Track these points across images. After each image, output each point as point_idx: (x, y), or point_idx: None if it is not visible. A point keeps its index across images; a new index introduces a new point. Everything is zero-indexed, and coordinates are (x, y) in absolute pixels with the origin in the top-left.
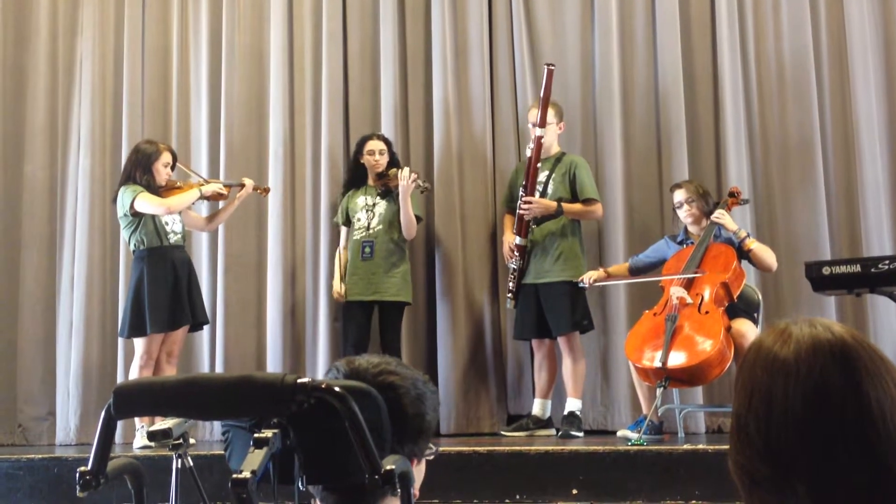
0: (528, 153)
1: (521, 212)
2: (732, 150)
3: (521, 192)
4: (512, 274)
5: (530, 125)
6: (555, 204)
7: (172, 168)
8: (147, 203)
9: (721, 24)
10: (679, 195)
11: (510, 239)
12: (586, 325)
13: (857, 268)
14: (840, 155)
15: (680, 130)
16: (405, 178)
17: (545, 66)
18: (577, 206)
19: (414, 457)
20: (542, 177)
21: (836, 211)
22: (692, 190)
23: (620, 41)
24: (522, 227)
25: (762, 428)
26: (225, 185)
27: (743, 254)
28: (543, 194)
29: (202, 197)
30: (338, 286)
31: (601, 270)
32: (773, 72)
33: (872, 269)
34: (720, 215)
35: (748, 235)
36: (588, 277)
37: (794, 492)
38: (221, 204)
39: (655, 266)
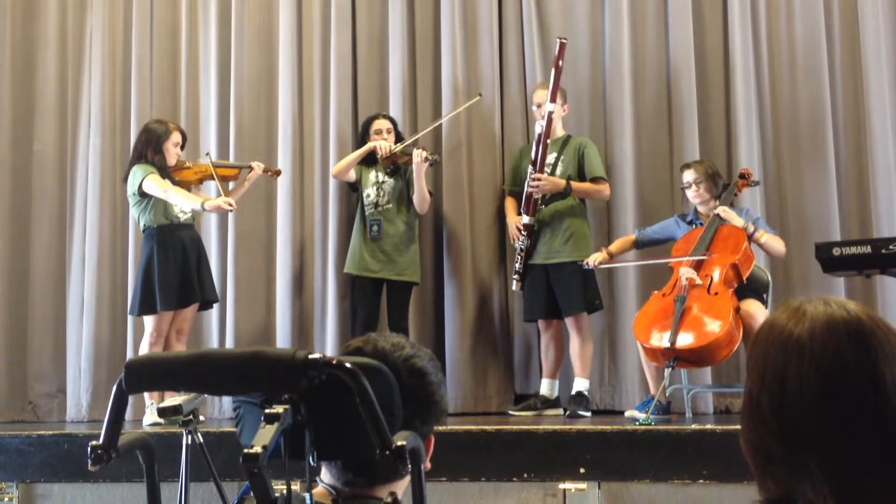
0: (539, 130)
1: (530, 189)
2: (743, 130)
3: (529, 170)
4: (519, 254)
5: (535, 107)
6: (563, 182)
7: (182, 147)
8: (153, 185)
9: (733, 2)
10: (688, 176)
11: (516, 219)
12: (597, 305)
13: (867, 249)
14: (851, 136)
15: (691, 110)
16: (418, 156)
17: (557, 40)
18: (586, 185)
19: (430, 434)
20: (550, 158)
21: (847, 192)
22: (701, 171)
23: (631, 20)
24: (530, 206)
25: (776, 406)
26: (235, 167)
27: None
28: (553, 176)
29: (203, 210)
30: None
31: (603, 252)
32: (784, 52)
33: (883, 250)
34: (724, 211)
35: (756, 230)
36: (593, 260)
37: (807, 470)
38: (232, 185)
39: (661, 242)
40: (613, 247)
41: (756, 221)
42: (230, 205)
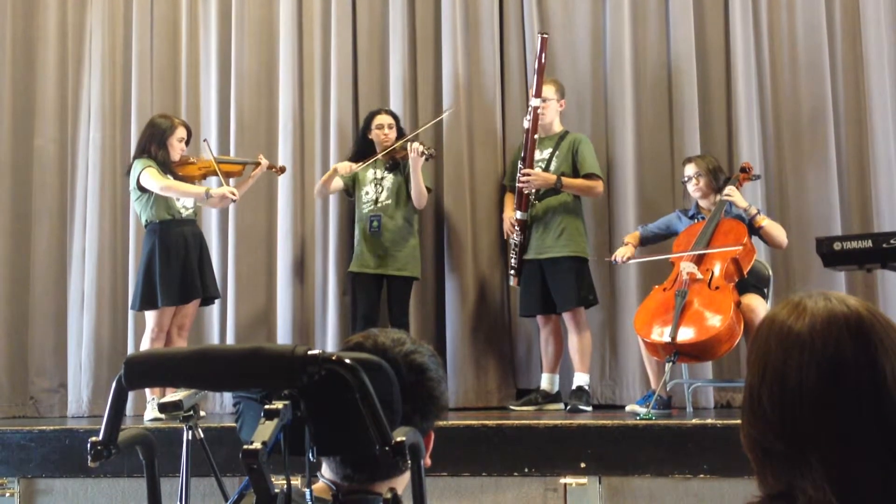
0: (526, 125)
1: (520, 185)
2: (744, 125)
3: (519, 165)
4: (513, 250)
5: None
6: (554, 177)
7: (187, 143)
8: (150, 178)
9: None
10: (689, 169)
11: (511, 215)
12: (592, 300)
13: (868, 243)
14: (852, 131)
15: (691, 106)
16: (415, 151)
17: (539, 35)
18: (578, 181)
19: (430, 430)
20: (545, 154)
21: (848, 186)
22: (702, 165)
23: (632, 15)
24: (523, 201)
25: (776, 401)
26: (239, 163)
27: (754, 230)
28: (546, 171)
29: (207, 197)
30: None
31: (629, 246)
32: (785, 47)
33: (884, 245)
34: (730, 192)
35: (759, 212)
36: (620, 256)
37: (807, 464)
38: (233, 182)
39: (664, 238)
40: (630, 238)
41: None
42: (234, 194)
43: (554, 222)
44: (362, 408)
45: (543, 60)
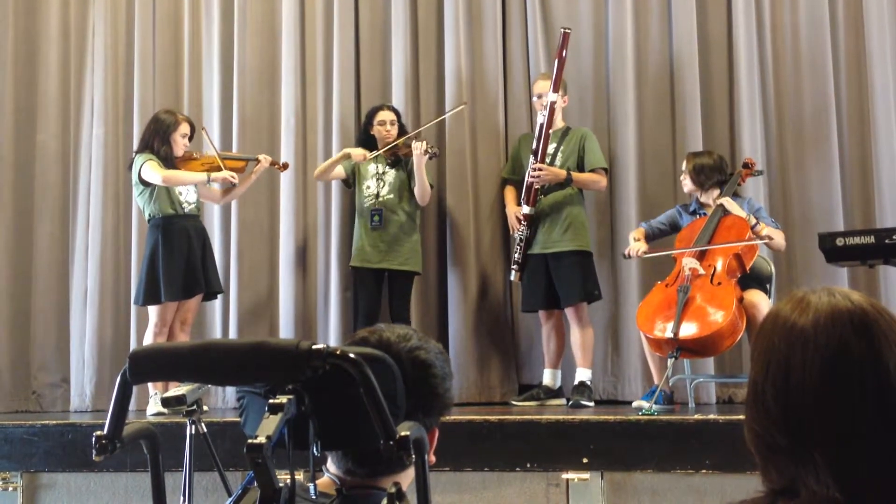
0: (541, 119)
1: (531, 179)
2: (746, 120)
3: (531, 160)
4: (518, 244)
5: (535, 97)
6: (564, 172)
7: (190, 139)
8: (151, 171)
9: None
10: (683, 164)
11: (515, 210)
12: (596, 295)
13: (870, 239)
14: (855, 126)
15: (693, 101)
16: (418, 149)
17: (561, 30)
18: (586, 176)
19: (434, 426)
20: (549, 149)
21: (850, 182)
22: (689, 165)
23: (634, 10)
24: (531, 196)
25: (780, 396)
26: (242, 160)
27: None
28: (552, 166)
29: (209, 181)
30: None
31: (642, 240)
32: (788, 41)
33: (886, 240)
34: (727, 202)
35: (758, 222)
36: (635, 250)
37: (811, 460)
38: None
39: (669, 233)
40: (638, 234)
41: (758, 211)
42: (234, 177)
43: (560, 217)
44: (366, 402)
45: (564, 55)
